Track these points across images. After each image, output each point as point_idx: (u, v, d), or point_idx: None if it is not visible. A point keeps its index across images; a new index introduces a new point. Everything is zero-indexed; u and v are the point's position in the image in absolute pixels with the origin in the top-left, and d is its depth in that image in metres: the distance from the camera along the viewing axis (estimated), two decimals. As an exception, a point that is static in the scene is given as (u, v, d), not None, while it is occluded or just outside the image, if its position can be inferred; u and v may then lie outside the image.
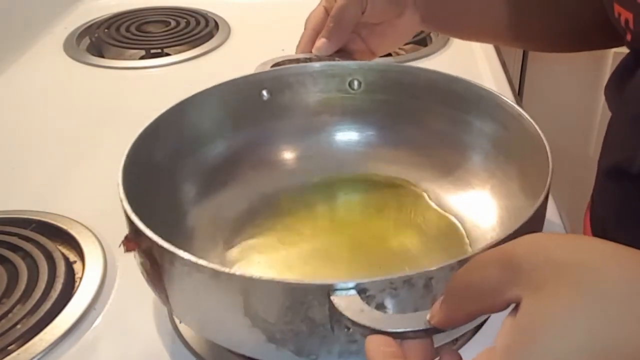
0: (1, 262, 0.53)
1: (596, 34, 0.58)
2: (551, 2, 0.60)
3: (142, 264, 0.41)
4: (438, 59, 0.87)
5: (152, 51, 0.93)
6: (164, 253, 0.37)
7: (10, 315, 0.48)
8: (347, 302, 0.33)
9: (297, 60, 0.57)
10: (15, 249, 0.54)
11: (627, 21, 0.47)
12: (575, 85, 1.31)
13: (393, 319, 0.32)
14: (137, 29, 0.98)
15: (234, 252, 0.50)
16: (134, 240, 0.40)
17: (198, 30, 0.96)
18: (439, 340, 0.32)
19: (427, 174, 0.56)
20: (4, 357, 0.45)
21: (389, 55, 0.90)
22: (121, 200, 0.41)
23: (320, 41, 0.56)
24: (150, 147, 0.48)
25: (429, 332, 0.30)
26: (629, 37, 0.47)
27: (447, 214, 0.53)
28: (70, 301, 0.50)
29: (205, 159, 0.54)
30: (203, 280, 0.36)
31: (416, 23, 0.60)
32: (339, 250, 0.50)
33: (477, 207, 0.52)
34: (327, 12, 0.57)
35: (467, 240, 0.50)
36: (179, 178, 0.52)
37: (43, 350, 0.46)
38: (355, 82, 0.57)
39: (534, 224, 0.39)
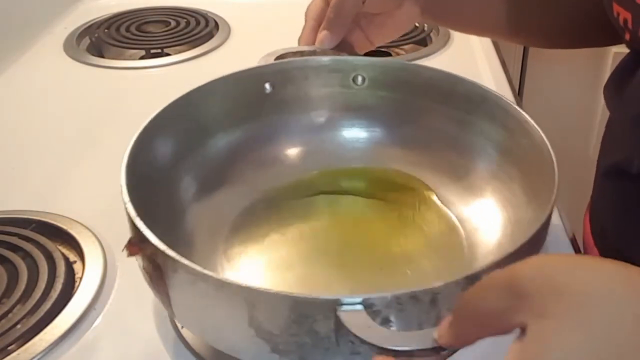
0: (1, 262, 0.53)
1: (596, 32, 0.58)
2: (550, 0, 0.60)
3: (145, 268, 0.40)
4: (438, 58, 0.87)
5: (152, 51, 0.93)
6: (167, 260, 0.37)
7: (10, 315, 0.48)
8: (353, 318, 0.33)
9: (301, 53, 0.57)
10: (15, 249, 0.54)
11: (625, 21, 0.47)
12: (576, 85, 1.31)
13: (400, 337, 0.32)
14: (137, 29, 0.98)
15: (234, 250, 0.50)
16: (137, 245, 0.39)
17: (198, 30, 0.96)
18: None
19: (430, 173, 0.55)
20: (4, 357, 0.45)
21: (389, 55, 0.90)
22: (125, 204, 0.40)
23: (323, 34, 0.56)
24: (151, 145, 0.48)
25: (436, 350, 0.30)
26: (627, 36, 0.47)
27: (448, 215, 0.53)
28: (70, 301, 0.50)
29: (207, 154, 0.54)
30: (207, 289, 0.36)
31: (416, 14, 0.60)
32: (340, 249, 0.50)
33: (479, 209, 0.52)
34: (326, 2, 0.57)
35: (465, 243, 0.50)
36: (179, 175, 0.52)
37: (43, 350, 0.46)
38: (359, 78, 0.57)
39: (537, 240, 0.39)
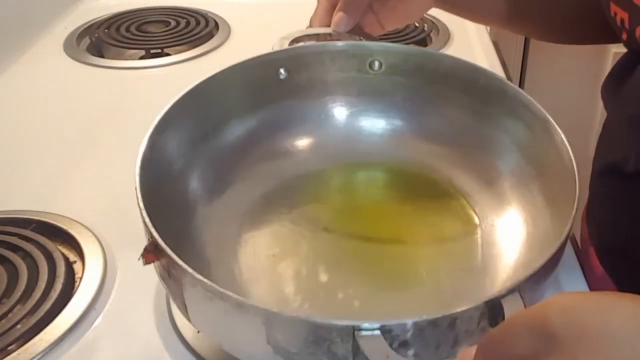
0: (1, 262, 0.53)
1: (596, 27, 0.58)
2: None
3: (162, 276, 0.40)
4: (438, 58, 0.87)
5: (152, 51, 0.93)
6: (185, 275, 0.36)
7: (10, 315, 0.48)
8: (371, 344, 0.33)
9: (316, 36, 0.55)
10: (15, 249, 0.54)
11: (622, 20, 0.47)
12: (575, 85, 1.31)
13: None
14: (137, 29, 0.98)
15: (247, 244, 0.49)
16: (153, 253, 0.39)
17: (198, 30, 0.96)
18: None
19: (447, 165, 0.54)
20: (4, 357, 0.45)
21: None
22: (140, 210, 0.40)
23: (338, 15, 0.55)
24: (165, 135, 0.47)
25: None
26: (624, 36, 0.47)
27: (466, 212, 0.52)
28: (70, 301, 0.50)
29: (221, 144, 0.53)
30: (225, 307, 0.35)
31: (429, 1, 0.59)
32: (354, 248, 0.49)
33: (494, 204, 0.51)
34: None
35: (480, 241, 0.49)
36: (193, 165, 0.51)
37: (43, 350, 0.46)
38: (376, 63, 0.55)
39: (556, 259, 0.38)
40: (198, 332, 0.46)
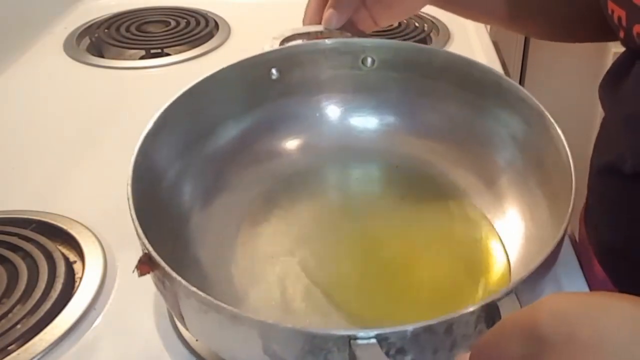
0: (1, 262, 0.53)
1: (595, 25, 0.57)
2: None
3: (157, 286, 0.40)
4: (438, 58, 0.87)
5: (152, 51, 0.93)
6: (180, 288, 0.36)
7: (10, 315, 0.48)
8: (367, 352, 0.33)
9: (307, 34, 0.55)
10: (15, 249, 0.54)
11: (619, 18, 0.47)
12: (575, 85, 1.31)
13: None
14: (137, 29, 0.98)
15: (245, 247, 0.49)
16: (147, 264, 0.39)
17: (198, 30, 0.96)
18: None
19: (443, 160, 0.54)
20: (4, 357, 0.45)
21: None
22: (133, 221, 0.40)
23: (329, 12, 0.54)
24: (159, 139, 0.47)
25: None
26: (621, 34, 0.47)
27: (461, 206, 0.51)
28: (70, 301, 0.50)
29: (216, 145, 0.53)
30: (220, 319, 0.35)
31: None
32: (352, 248, 0.49)
33: (492, 198, 0.51)
34: None
35: (479, 237, 0.49)
36: (187, 170, 0.51)
37: (43, 350, 0.46)
38: (369, 59, 0.55)
39: (553, 258, 0.38)
40: (197, 340, 0.46)
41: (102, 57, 0.93)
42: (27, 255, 0.53)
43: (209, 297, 0.35)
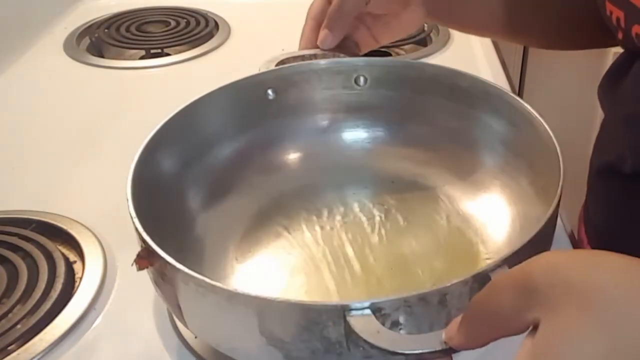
0: (1, 262, 0.53)
1: (592, 33, 0.58)
2: (541, 2, 0.60)
3: (155, 281, 0.41)
4: (438, 58, 0.87)
5: (152, 51, 0.93)
6: (177, 273, 0.37)
7: (10, 315, 0.48)
8: (362, 323, 0.33)
9: (302, 57, 0.56)
10: (15, 249, 0.54)
11: (618, 19, 0.47)
12: (575, 85, 1.31)
13: (410, 340, 0.32)
14: (137, 29, 0.98)
15: (244, 257, 0.49)
16: (146, 259, 0.39)
17: (198, 30, 0.96)
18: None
19: (437, 171, 0.55)
20: (4, 357, 0.45)
21: (389, 55, 0.90)
22: (132, 218, 0.40)
23: (323, 33, 0.56)
24: (156, 156, 0.48)
25: (447, 352, 0.30)
26: (620, 35, 0.47)
27: (457, 212, 0.52)
28: (70, 301, 0.50)
29: (213, 163, 0.54)
30: (217, 300, 0.36)
31: (421, 16, 0.60)
32: (349, 252, 0.50)
33: (488, 205, 0.52)
34: (328, 1, 0.57)
35: (475, 240, 0.50)
36: (187, 184, 0.52)
37: (43, 350, 0.46)
38: (361, 78, 0.56)
39: (545, 235, 0.38)
40: (195, 337, 0.46)
41: (102, 57, 0.93)
42: (27, 255, 0.53)
43: (206, 279, 0.35)
